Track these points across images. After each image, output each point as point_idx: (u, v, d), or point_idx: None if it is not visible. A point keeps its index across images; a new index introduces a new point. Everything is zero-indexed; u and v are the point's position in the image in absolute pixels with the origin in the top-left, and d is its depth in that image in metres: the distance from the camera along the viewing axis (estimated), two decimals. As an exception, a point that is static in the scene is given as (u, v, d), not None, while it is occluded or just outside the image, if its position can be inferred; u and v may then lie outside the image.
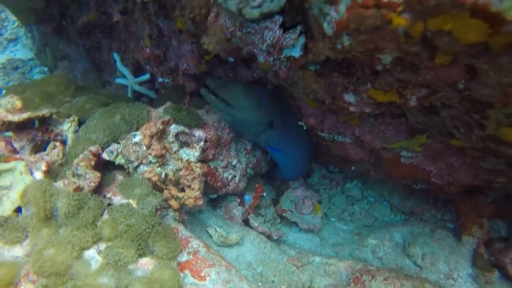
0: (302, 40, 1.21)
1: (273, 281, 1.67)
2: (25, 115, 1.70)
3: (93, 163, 1.48)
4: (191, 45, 2.03)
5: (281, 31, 1.16)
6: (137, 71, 2.87)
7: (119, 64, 2.89)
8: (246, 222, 2.10)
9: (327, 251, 2.04)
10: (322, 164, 2.65)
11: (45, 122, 1.86)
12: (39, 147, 1.84)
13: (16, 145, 1.77)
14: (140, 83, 2.86)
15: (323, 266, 1.72)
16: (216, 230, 1.84)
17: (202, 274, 1.42)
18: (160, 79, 2.65)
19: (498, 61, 0.90)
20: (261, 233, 1.95)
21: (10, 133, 1.82)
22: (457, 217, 1.97)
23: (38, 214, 1.29)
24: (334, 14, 1.03)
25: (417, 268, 1.83)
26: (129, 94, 2.89)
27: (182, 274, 1.40)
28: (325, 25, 1.09)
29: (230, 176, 1.95)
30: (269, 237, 1.97)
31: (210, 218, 1.99)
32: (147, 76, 2.76)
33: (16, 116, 1.67)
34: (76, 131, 1.82)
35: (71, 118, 1.83)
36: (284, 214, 2.21)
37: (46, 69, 4.86)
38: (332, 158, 2.34)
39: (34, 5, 2.78)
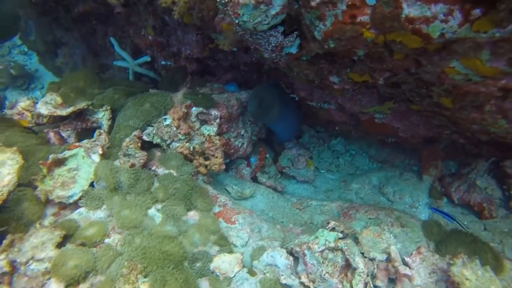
0: (298, 41, 1.61)
1: (282, 222, 2.20)
2: (70, 109, 2.05)
3: (139, 144, 1.89)
4: (196, 36, 2.36)
5: (283, 37, 1.55)
6: (135, 54, 3.12)
7: (117, 48, 3.13)
8: (254, 179, 2.59)
9: (320, 196, 2.58)
10: (311, 126, 3.12)
11: (81, 113, 2.21)
12: (80, 134, 2.21)
13: (64, 134, 2.14)
14: (140, 65, 3.13)
15: (319, 207, 2.26)
16: (233, 187, 2.33)
17: (232, 219, 1.92)
18: (163, 62, 2.95)
19: (432, 58, 1.35)
20: (268, 186, 2.46)
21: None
22: (419, 161, 2.53)
23: (109, 186, 1.72)
24: (322, 26, 1.43)
25: (390, 203, 2.41)
26: (130, 76, 3.17)
27: (217, 221, 1.90)
28: (315, 33, 1.49)
29: (240, 144, 2.40)
30: (274, 189, 2.48)
31: (226, 178, 2.46)
32: (147, 58, 3.03)
33: (64, 111, 2.03)
34: (110, 119, 2.19)
35: (104, 108, 2.20)
36: (284, 170, 2.71)
37: (26, 50, 4.96)
38: (320, 121, 2.82)
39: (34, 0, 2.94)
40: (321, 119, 2.69)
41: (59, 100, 2.11)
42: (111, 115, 2.19)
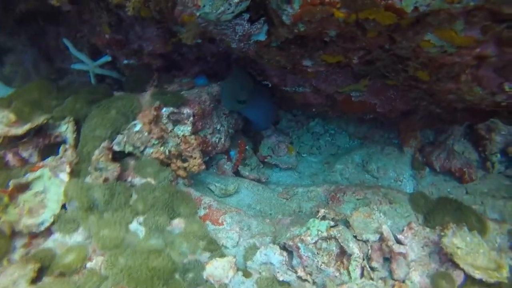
0: (265, 27, 1.51)
1: (270, 214, 2.16)
2: (27, 126, 1.86)
3: (110, 156, 1.75)
4: (157, 30, 2.20)
5: (249, 24, 1.45)
6: (94, 55, 2.91)
7: (73, 50, 2.89)
8: (236, 174, 2.52)
9: (305, 182, 2.55)
10: (287, 110, 3.05)
11: (41, 128, 2.03)
12: (43, 152, 2.04)
13: (24, 154, 1.96)
14: (101, 66, 2.92)
15: (306, 194, 2.22)
16: (215, 185, 2.24)
17: (220, 221, 1.85)
18: (125, 61, 2.76)
19: (406, 34, 1.29)
20: (252, 179, 2.39)
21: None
22: (399, 134, 2.54)
23: (82, 206, 1.60)
24: (290, 10, 1.33)
25: (375, 179, 2.41)
26: (92, 79, 2.96)
27: (204, 225, 1.82)
28: (284, 18, 1.39)
29: (217, 140, 2.30)
30: (259, 181, 2.42)
31: (207, 177, 2.37)
32: (107, 58, 2.82)
33: (19, 129, 1.84)
34: (74, 131, 2.02)
35: (66, 120, 2.03)
36: (265, 160, 2.65)
37: None
38: (295, 105, 2.75)
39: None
40: (297, 103, 2.63)
41: (12, 117, 1.92)
42: (75, 127, 2.02)
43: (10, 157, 1.93)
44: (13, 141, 1.96)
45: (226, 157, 2.54)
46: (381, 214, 1.85)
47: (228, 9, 1.27)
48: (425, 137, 2.61)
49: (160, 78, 2.75)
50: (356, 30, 1.36)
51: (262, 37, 1.56)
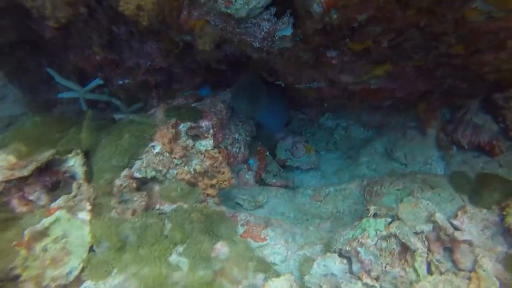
0: (291, 21, 1.38)
1: (307, 220, 2.02)
2: (33, 166, 1.66)
3: (134, 185, 1.58)
4: (156, 43, 2.04)
5: (276, 18, 1.31)
6: (82, 81, 2.72)
7: (58, 78, 2.70)
8: (259, 183, 2.37)
9: (332, 180, 2.43)
10: (296, 109, 2.94)
11: (47, 165, 1.83)
12: (52, 191, 1.83)
13: (32, 197, 1.75)
14: (91, 91, 2.73)
15: (339, 192, 2.10)
16: (243, 198, 2.09)
17: (262, 236, 1.70)
18: (120, 81, 2.58)
19: (453, 5, 1.19)
20: (278, 186, 2.25)
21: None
22: (418, 117, 2.45)
23: (114, 245, 1.42)
24: (323, -5, 1.21)
25: (403, 166, 2.32)
26: (83, 106, 2.76)
27: (247, 243, 1.67)
28: (314, 6, 1.27)
29: (237, 149, 2.15)
30: (286, 186, 2.28)
31: (231, 190, 2.21)
32: (98, 81, 2.65)
33: (25, 170, 1.64)
34: (84, 164, 1.83)
35: (73, 153, 1.83)
36: (286, 163, 2.52)
37: None
38: (308, 102, 2.64)
39: None
40: (309, 100, 2.51)
41: (12, 158, 1.71)
42: (84, 159, 1.83)
43: (15, 203, 1.71)
44: (17, 185, 1.75)
45: (245, 166, 2.39)
46: (427, 201, 1.75)
47: (259, 2, 1.13)
48: (442, 117, 2.54)
49: (160, 95, 2.58)
50: (396, 8, 1.25)
51: (288, 32, 1.43)
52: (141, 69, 2.36)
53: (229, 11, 1.13)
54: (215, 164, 1.76)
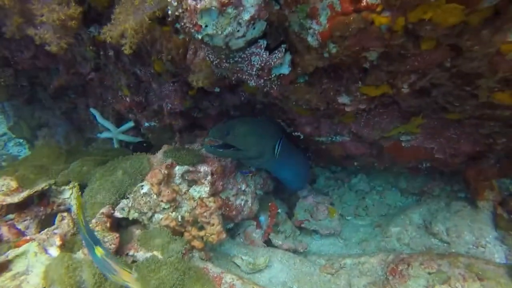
0: (288, 57, 1.24)
1: (312, 296, 1.65)
2: (24, 194, 1.64)
3: (108, 225, 1.44)
4: (173, 85, 2.04)
5: (267, 53, 1.19)
6: (119, 121, 2.84)
7: (99, 119, 2.86)
8: (268, 243, 2.07)
9: (354, 250, 2.04)
10: (323, 167, 2.67)
11: (44, 195, 1.80)
12: (44, 222, 1.78)
13: (20, 226, 1.70)
14: (125, 132, 2.83)
15: (357, 267, 1.72)
16: (242, 258, 1.81)
17: (245, 308, 1.39)
18: (147, 124, 2.63)
19: (479, 35, 0.95)
20: (286, 250, 1.94)
21: (11, 216, 1.76)
22: (467, 185, 2.02)
23: (66, 292, 1.24)
24: (316, 26, 1.07)
25: (445, 245, 1.86)
26: (115, 145, 2.86)
27: (225, 314, 1.37)
28: (309, 39, 1.12)
29: (243, 202, 1.94)
30: (295, 251, 1.95)
31: (232, 248, 1.95)
32: (130, 124, 2.74)
33: (15, 197, 1.62)
34: (79, 196, 1.77)
35: (70, 185, 1.79)
36: (302, 225, 2.20)
37: (22, 140, 4.74)
38: (333, 159, 2.37)
39: (3, 82, 2.74)
40: (335, 156, 2.25)
41: (13, 184, 1.72)
42: (80, 193, 1.78)
43: (5, 230, 1.67)
44: (12, 212, 1.74)
45: (255, 223, 2.13)
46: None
47: (238, 30, 1.02)
48: (504, 188, 2.06)
49: (182, 139, 2.55)
50: (406, 41, 1.04)
51: (286, 70, 1.28)
52: (164, 112, 2.37)
53: (200, 37, 1.03)
54: (205, 213, 1.56)
